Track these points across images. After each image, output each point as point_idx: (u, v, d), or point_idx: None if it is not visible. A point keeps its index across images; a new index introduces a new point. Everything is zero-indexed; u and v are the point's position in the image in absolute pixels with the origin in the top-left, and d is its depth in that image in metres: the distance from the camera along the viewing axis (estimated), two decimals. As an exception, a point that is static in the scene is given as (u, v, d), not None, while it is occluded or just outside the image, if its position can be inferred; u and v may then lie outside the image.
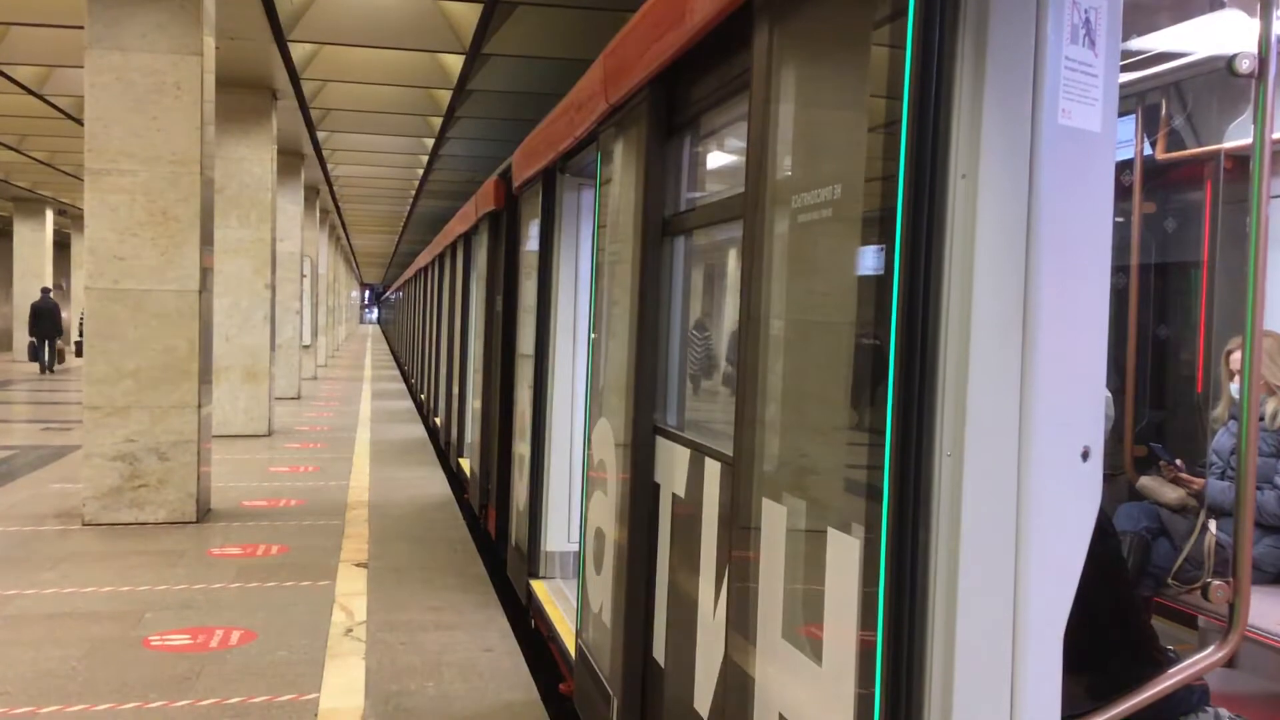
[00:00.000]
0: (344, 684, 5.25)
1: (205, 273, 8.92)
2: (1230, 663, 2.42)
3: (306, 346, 23.31)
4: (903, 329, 2.06)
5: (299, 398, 19.92)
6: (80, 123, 14.25)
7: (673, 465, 3.67)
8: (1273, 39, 2.27)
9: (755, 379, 2.79)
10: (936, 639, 2.07)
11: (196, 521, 8.85)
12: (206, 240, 8.96)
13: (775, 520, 2.67)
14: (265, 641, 5.85)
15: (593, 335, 4.92)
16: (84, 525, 8.63)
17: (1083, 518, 2.16)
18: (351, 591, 6.90)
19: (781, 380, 2.73)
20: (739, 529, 2.88)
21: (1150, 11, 2.86)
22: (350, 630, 6.09)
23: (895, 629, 2.07)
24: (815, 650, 2.45)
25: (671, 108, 3.80)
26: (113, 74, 8.60)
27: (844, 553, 2.32)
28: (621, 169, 4.34)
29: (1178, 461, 4.86)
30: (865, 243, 2.28)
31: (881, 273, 2.16)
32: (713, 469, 3.26)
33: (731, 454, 2.95)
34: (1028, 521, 2.08)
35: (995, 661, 2.08)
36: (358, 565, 7.59)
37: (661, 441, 3.81)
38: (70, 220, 35.12)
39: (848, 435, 2.39)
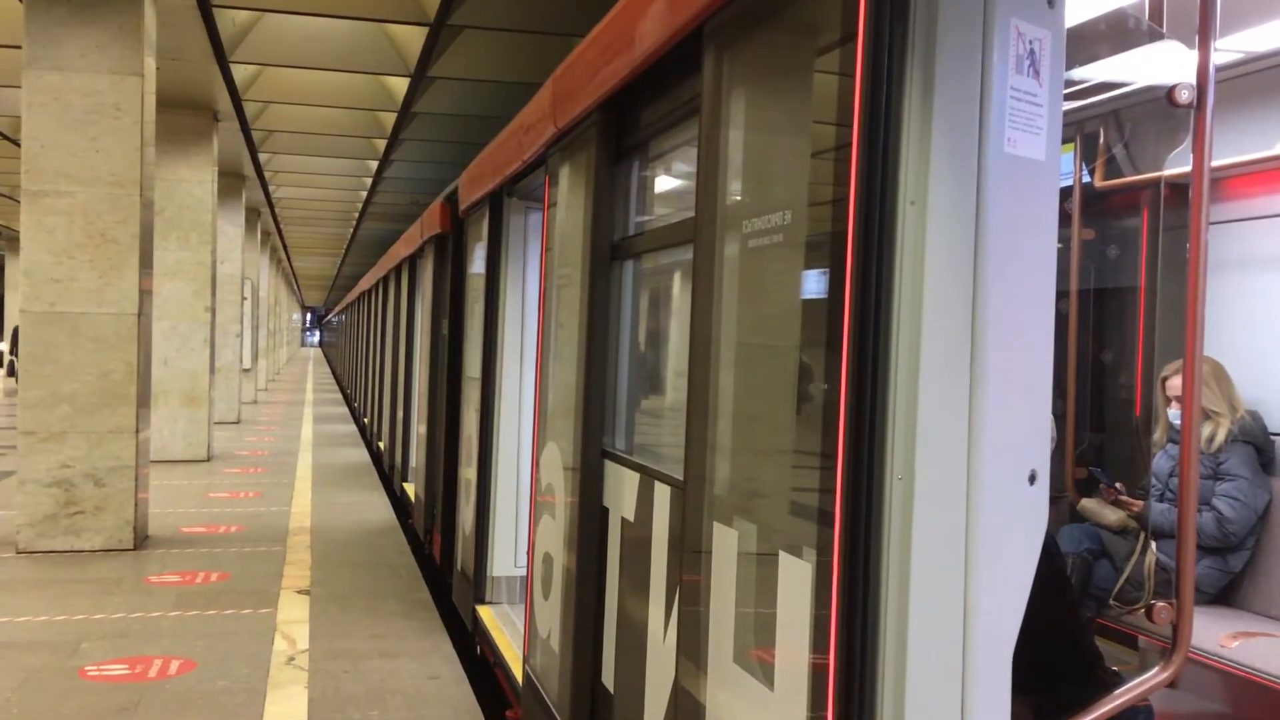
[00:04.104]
0: (286, 714, 5.16)
1: (144, 295, 8.79)
2: (1172, 683, 2.45)
3: (247, 370, 23.02)
4: (853, 354, 2.08)
5: (239, 422, 19.66)
6: (17, 143, 14.01)
7: (622, 489, 3.66)
8: (1211, 70, 2.33)
9: (706, 403, 2.80)
10: (888, 662, 2.08)
11: (134, 549, 8.68)
12: (145, 263, 8.83)
13: (726, 544, 2.68)
14: (205, 671, 5.75)
15: (539, 359, 4.91)
16: (18, 553, 8.43)
17: (1031, 540, 2.19)
18: (293, 619, 6.80)
19: (733, 404, 2.74)
20: (689, 553, 2.88)
21: (1090, 42, 2.92)
22: (292, 659, 6.00)
23: (847, 652, 2.08)
24: (767, 674, 2.45)
25: (621, 132, 3.81)
26: (51, 94, 8.47)
27: (795, 576, 2.32)
28: (570, 193, 4.34)
29: (1118, 485, 4.94)
30: (816, 268, 2.30)
31: (832, 298, 2.18)
32: (662, 493, 3.25)
33: (682, 478, 2.95)
34: (977, 544, 2.10)
35: (946, 683, 2.10)
36: (300, 592, 7.49)
37: (610, 466, 3.80)
38: (5, 242, 34.47)
39: (799, 459, 2.40)
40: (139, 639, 6.33)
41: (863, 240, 2.07)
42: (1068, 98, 2.30)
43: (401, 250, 12.34)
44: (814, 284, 2.31)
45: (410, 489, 10.82)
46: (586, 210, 3.95)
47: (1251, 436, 4.72)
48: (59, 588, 7.47)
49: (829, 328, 2.19)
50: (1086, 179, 5.07)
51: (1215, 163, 2.38)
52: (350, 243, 33.55)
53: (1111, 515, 4.89)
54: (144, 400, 8.94)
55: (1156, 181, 4.71)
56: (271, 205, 24.54)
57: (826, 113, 2.30)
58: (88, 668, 5.76)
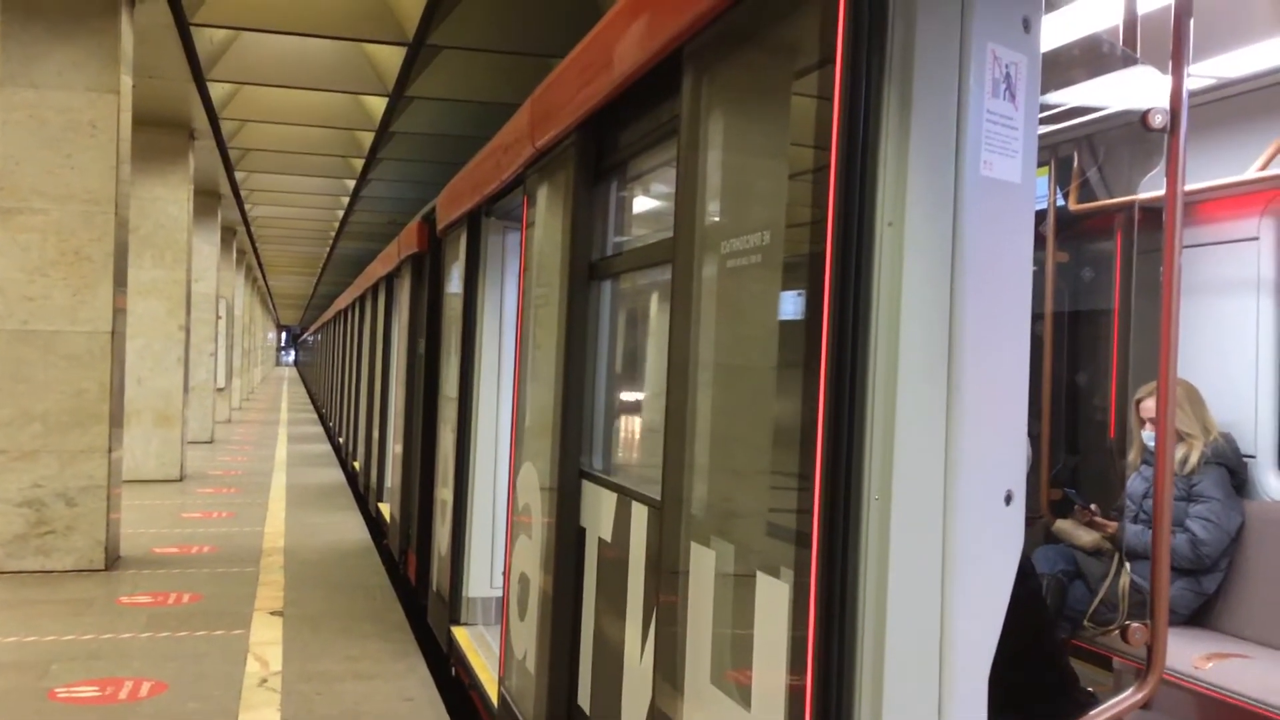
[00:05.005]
0: (259, 735, 5.12)
1: (118, 314, 8.73)
2: (1146, 704, 2.46)
3: (221, 389, 22.89)
4: (831, 374, 2.09)
5: (212, 441, 19.52)
6: (-10, 160, 13.91)
7: (599, 510, 3.66)
8: (1184, 95, 2.36)
9: (684, 423, 2.80)
10: (864, 682, 2.08)
11: (105, 569, 8.60)
12: (120, 281, 8.78)
13: (703, 564, 2.67)
14: (177, 693, 5.69)
15: (516, 379, 4.90)
16: (-13, 573, 8.35)
17: (1006, 560, 2.20)
18: (266, 640, 6.74)
19: (710, 425, 2.74)
20: (667, 573, 2.87)
21: (1065, 66, 2.95)
22: (265, 680, 5.94)
23: (824, 672, 2.08)
24: (744, 695, 2.44)
25: (599, 152, 3.82)
26: (26, 111, 8.43)
27: (773, 596, 2.32)
28: (548, 213, 4.35)
29: (1092, 506, 4.96)
30: (794, 289, 2.31)
31: (810, 318, 2.19)
32: (640, 513, 3.25)
33: (659, 498, 2.95)
34: (953, 564, 2.10)
35: (922, 703, 2.10)
36: (273, 613, 7.43)
37: (588, 486, 3.79)
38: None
39: (776, 479, 2.41)
40: (110, 660, 6.26)
41: (840, 261, 2.08)
42: (1043, 121, 2.32)
43: (378, 269, 12.31)
44: (792, 304, 2.32)
45: (386, 509, 10.76)
46: (565, 230, 3.95)
47: (1224, 459, 4.75)
48: (29, 608, 7.38)
49: (807, 348, 2.20)
50: (1061, 202, 5.12)
51: (1188, 187, 2.40)
52: (327, 262, 33.46)
53: (1086, 536, 4.91)
54: (117, 419, 8.87)
55: (1130, 205, 4.75)
56: (247, 224, 24.47)
57: (804, 135, 2.32)
58: (58, 689, 5.69)
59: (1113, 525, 4.88)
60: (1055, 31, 2.71)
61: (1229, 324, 4.93)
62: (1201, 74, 4.78)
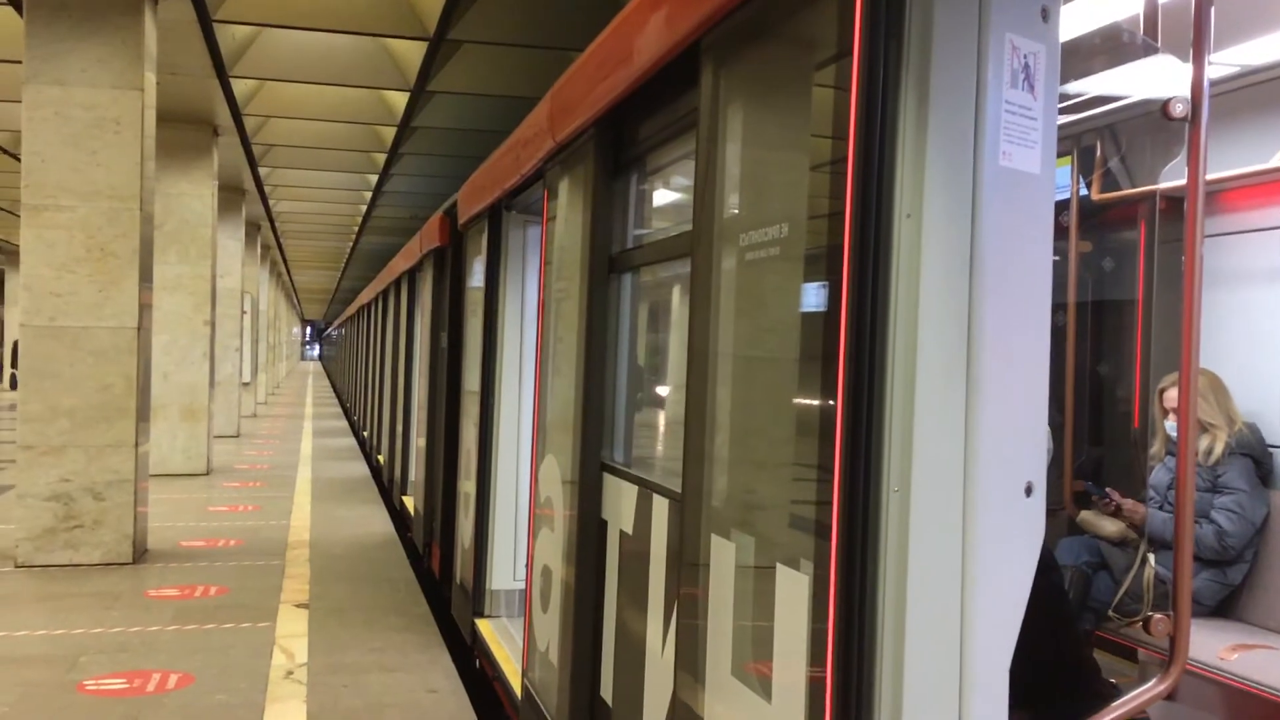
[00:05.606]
0: (285, 727, 5.16)
1: (144, 309, 8.80)
2: (1170, 695, 2.46)
3: (246, 384, 23.01)
4: (850, 366, 2.09)
5: (238, 436, 19.65)
6: (17, 158, 14.04)
7: (620, 502, 3.67)
8: (1205, 84, 2.34)
9: (704, 416, 2.80)
10: (885, 674, 2.08)
11: (133, 562, 8.67)
12: (145, 277, 8.84)
13: (724, 557, 2.68)
14: (204, 685, 5.74)
15: (537, 372, 4.91)
16: (16, 567, 8.42)
17: (1027, 552, 2.19)
18: (292, 633, 6.79)
19: (730, 417, 2.74)
20: (687, 566, 2.88)
21: (1085, 56, 2.93)
22: (291, 673, 5.99)
23: (844, 664, 2.08)
24: (764, 687, 2.45)
25: (618, 146, 3.82)
26: (51, 108, 8.49)
27: (793, 588, 2.33)
28: (568, 206, 4.35)
29: (1108, 490, 4.92)
30: (812, 281, 2.31)
31: (829, 311, 2.19)
32: (660, 506, 3.26)
33: (680, 491, 2.96)
34: (974, 556, 2.10)
35: (943, 696, 2.10)
36: (298, 606, 7.48)
37: (609, 479, 3.80)
38: (5, 257, 34.48)
39: (796, 472, 2.41)
40: (137, 653, 6.32)
41: (859, 253, 2.08)
42: (1064, 111, 2.31)
43: (401, 264, 12.36)
44: (811, 296, 2.32)
45: (409, 502, 10.80)
46: (584, 223, 3.96)
47: (1249, 449, 4.72)
48: (57, 602, 7.46)
49: (825, 340, 2.19)
50: (1084, 192, 5.09)
51: (1212, 176, 2.39)
52: (350, 256, 33.58)
53: (1110, 526, 4.89)
54: (143, 414, 8.95)
55: (1153, 194, 4.72)
56: (271, 219, 24.58)
57: (822, 127, 2.31)
58: (86, 682, 5.75)
59: (1141, 508, 4.85)
60: (1075, 20, 2.70)
61: (1254, 313, 4.89)
62: (1224, 62, 4.75)
